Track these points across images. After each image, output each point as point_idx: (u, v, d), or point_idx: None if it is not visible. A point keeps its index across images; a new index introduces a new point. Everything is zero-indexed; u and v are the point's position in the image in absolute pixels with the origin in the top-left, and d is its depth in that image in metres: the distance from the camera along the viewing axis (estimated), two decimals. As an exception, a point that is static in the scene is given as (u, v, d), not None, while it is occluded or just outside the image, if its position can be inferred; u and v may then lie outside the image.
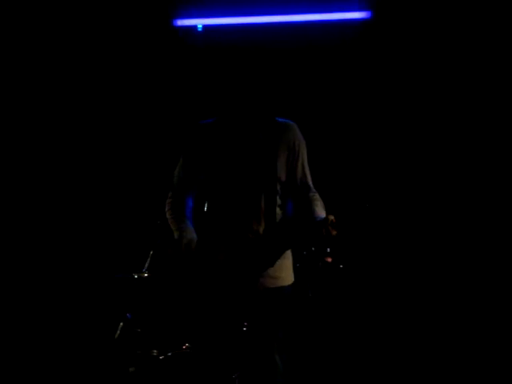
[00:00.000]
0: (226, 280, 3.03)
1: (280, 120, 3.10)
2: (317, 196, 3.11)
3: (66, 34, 4.88)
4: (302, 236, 3.05)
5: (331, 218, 2.79)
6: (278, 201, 3.07)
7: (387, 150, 4.79)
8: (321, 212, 2.99)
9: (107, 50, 4.92)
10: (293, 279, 3.15)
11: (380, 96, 4.83)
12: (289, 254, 3.15)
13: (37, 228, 4.87)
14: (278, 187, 3.06)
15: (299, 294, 4.02)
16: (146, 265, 3.97)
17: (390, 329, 4.60)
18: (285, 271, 3.10)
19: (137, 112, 4.95)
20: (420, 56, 4.75)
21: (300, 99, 4.77)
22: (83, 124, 4.96)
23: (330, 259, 4.12)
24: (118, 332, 3.85)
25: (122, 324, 3.86)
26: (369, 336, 4.58)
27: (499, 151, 4.67)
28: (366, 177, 4.71)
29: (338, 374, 4.41)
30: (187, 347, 3.77)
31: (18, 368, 4.45)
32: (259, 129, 3.05)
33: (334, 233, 2.78)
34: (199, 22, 4.91)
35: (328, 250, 4.06)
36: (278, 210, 3.07)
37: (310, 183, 3.15)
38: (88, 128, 4.95)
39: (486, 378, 4.23)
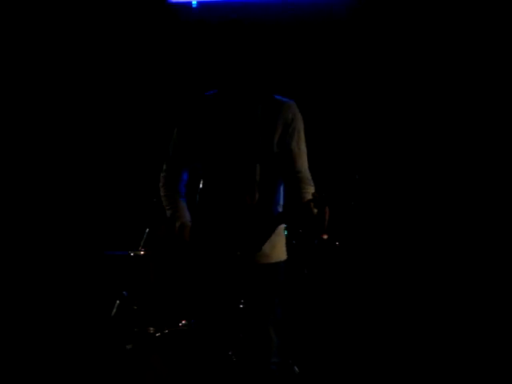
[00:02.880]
0: (220, 256, 3.04)
1: (278, 97, 3.10)
2: (307, 180, 3.09)
3: (59, 12, 4.86)
4: (292, 216, 3.04)
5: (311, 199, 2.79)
6: (271, 176, 3.07)
7: (381, 128, 4.78)
8: (307, 193, 2.98)
9: (101, 28, 4.89)
10: (286, 256, 3.15)
11: (374, 75, 4.81)
12: (281, 231, 3.15)
13: (33, 207, 4.87)
14: (272, 163, 3.05)
15: (295, 270, 4.03)
16: (142, 242, 3.97)
17: (384, 305, 4.62)
18: (278, 248, 3.10)
19: (132, 88, 4.93)
20: (411, 37, 4.71)
21: (293, 76, 4.75)
22: (79, 102, 4.94)
23: (325, 236, 4.13)
24: (115, 310, 3.86)
25: (118, 302, 3.87)
26: (364, 313, 4.60)
27: (495, 132, 4.67)
28: (360, 154, 4.70)
29: (334, 348, 4.43)
30: (184, 324, 3.78)
31: (15, 348, 4.47)
32: (257, 104, 3.05)
33: (315, 210, 2.78)
34: (194, -2, 4.89)
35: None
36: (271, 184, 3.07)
37: (305, 163, 3.11)
38: (83, 105, 4.94)
39: (486, 378, 4.24)
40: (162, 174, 3.24)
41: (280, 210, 3.11)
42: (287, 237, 3.22)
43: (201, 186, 3.17)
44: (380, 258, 4.69)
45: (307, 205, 2.77)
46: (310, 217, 2.77)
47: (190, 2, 4.87)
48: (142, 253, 3.92)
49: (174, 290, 3.87)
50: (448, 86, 4.69)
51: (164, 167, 3.24)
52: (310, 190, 3.00)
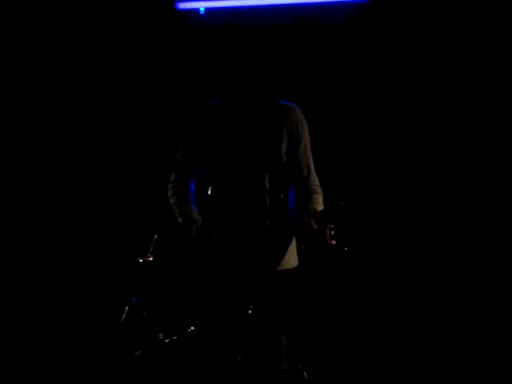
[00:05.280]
0: (231, 262, 3.04)
1: (283, 102, 3.09)
2: (315, 187, 3.09)
3: (68, 15, 4.88)
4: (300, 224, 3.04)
5: (313, 211, 2.83)
6: (281, 183, 3.06)
7: (389, 135, 4.77)
8: (315, 204, 2.99)
9: (109, 33, 4.91)
10: (297, 262, 3.15)
11: (381, 81, 4.80)
12: (293, 237, 3.15)
13: (43, 215, 4.89)
14: (281, 170, 3.05)
15: (304, 275, 4.03)
16: (151, 248, 3.98)
17: (394, 310, 4.61)
18: (290, 255, 3.10)
19: (140, 95, 4.94)
20: (419, 40, 4.71)
21: (302, 81, 4.75)
22: (87, 108, 4.95)
23: (334, 242, 4.13)
24: (124, 316, 3.86)
25: (127, 308, 3.87)
26: (373, 318, 4.59)
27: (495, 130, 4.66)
28: (369, 161, 4.70)
29: (343, 354, 4.42)
30: (193, 330, 3.78)
31: (23, 353, 4.48)
32: (262, 111, 3.04)
33: (315, 226, 2.80)
34: (201, 5, 4.89)
35: (332, 232, 4.05)
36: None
37: (312, 168, 3.13)
38: (91, 112, 4.95)
39: (486, 378, 4.23)
40: (169, 185, 3.23)
41: (292, 218, 3.10)
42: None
43: (209, 192, 3.17)
44: (389, 262, 4.68)
45: (308, 221, 2.79)
46: (310, 233, 2.80)
47: (198, 9, 4.89)
48: (150, 259, 3.92)
49: (183, 296, 3.87)
50: (455, 91, 4.69)
51: (172, 178, 3.23)
52: (317, 200, 3.00)
